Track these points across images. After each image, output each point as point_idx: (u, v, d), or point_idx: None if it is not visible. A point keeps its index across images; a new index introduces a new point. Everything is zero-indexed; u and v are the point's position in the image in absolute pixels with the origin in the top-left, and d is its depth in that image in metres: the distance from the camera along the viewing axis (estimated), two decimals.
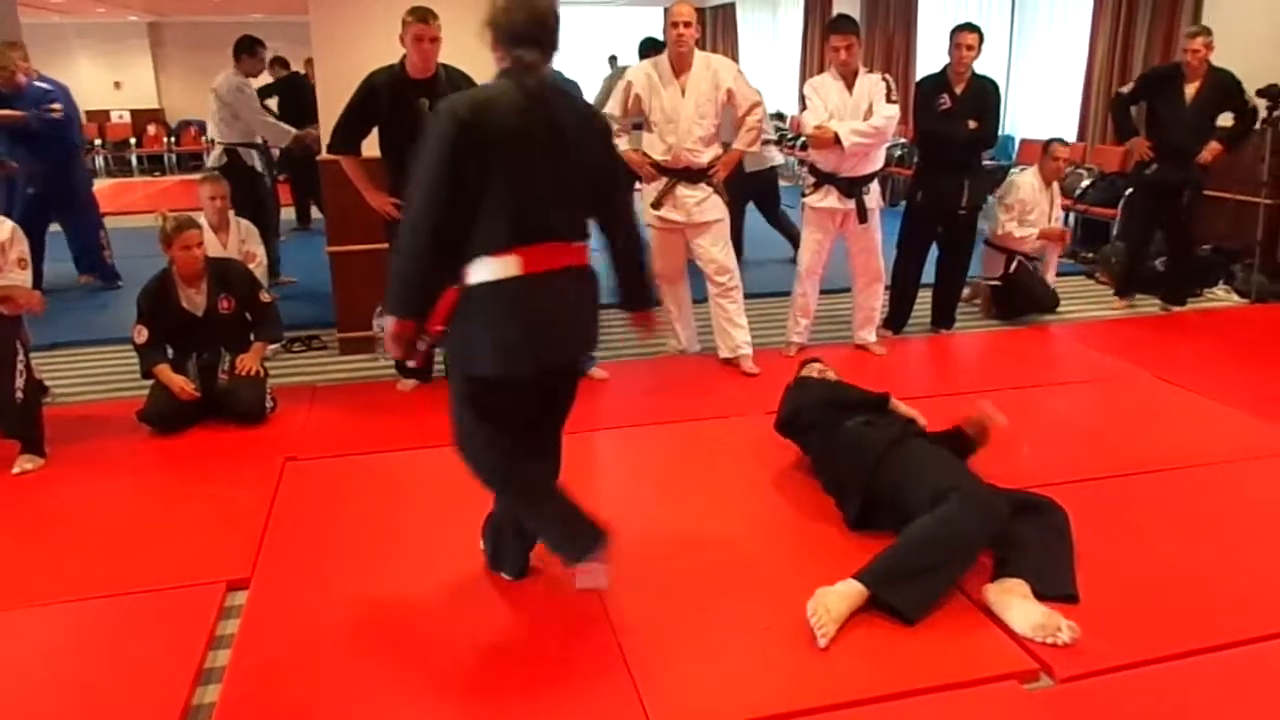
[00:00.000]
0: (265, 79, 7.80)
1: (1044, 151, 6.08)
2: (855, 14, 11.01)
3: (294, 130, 7.18)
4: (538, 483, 2.82)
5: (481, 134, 2.48)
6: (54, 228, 7.10)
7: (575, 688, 2.54)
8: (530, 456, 2.84)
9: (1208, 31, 5.80)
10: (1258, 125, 6.11)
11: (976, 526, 2.87)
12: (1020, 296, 6.01)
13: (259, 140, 7.05)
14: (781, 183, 8.15)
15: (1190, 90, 5.83)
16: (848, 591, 2.76)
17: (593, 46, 15.80)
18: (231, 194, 5.57)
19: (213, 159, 7.20)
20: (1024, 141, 9.60)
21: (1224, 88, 5.82)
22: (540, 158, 2.56)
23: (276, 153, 7.59)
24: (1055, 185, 6.20)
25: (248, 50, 6.91)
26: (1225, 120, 5.89)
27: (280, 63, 8.87)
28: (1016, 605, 2.75)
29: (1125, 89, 6.40)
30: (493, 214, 2.52)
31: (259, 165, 6.97)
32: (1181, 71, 5.85)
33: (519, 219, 2.55)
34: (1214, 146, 5.81)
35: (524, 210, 2.55)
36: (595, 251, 2.76)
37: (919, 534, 2.84)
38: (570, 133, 2.61)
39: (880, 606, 2.76)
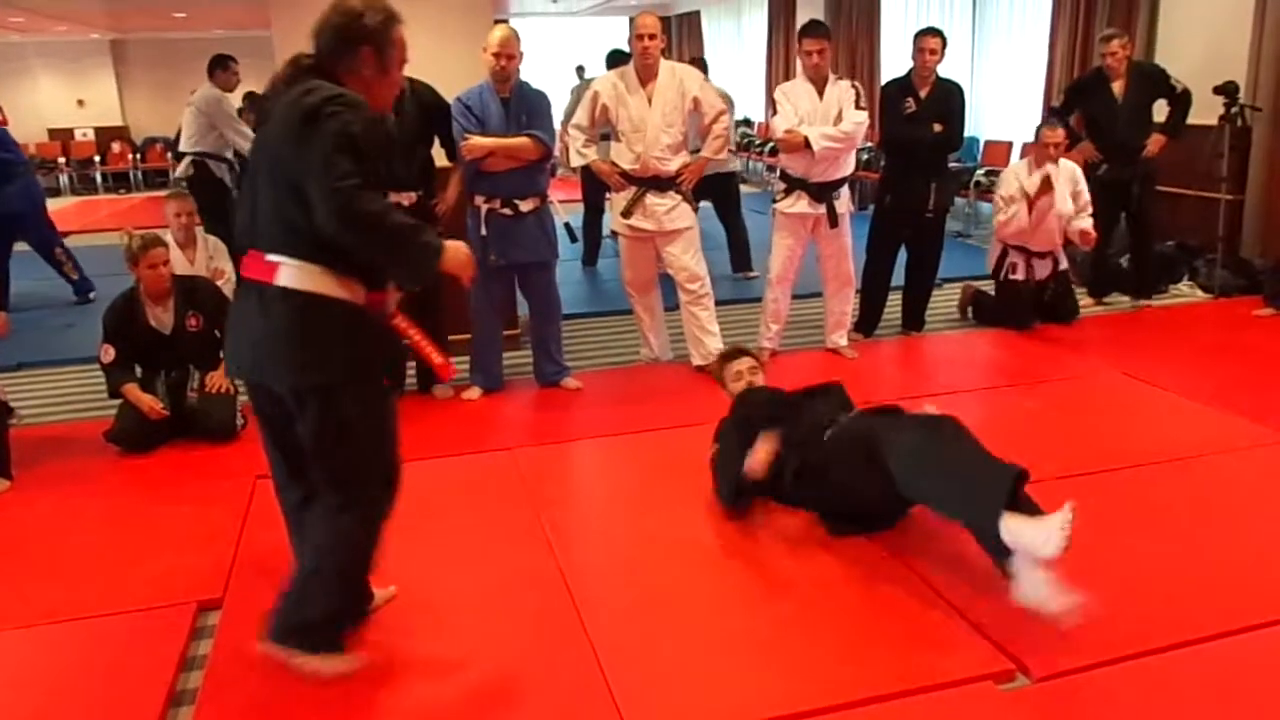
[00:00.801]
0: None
1: (1035, 138, 6.03)
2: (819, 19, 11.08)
3: None
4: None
5: None
6: (20, 248, 7.03)
7: (552, 698, 2.53)
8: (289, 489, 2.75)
9: (1120, 35, 6.06)
10: (1216, 122, 6.21)
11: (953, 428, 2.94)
12: (1053, 306, 5.92)
13: (229, 154, 7.11)
14: (745, 189, 8.18)
15: (1118, 89, 6.01)
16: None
17: (560, 57, 15.82)
18: (199, 206, 5.57)
19: (181, 169, 7.25)
20: (989, 143, 9.69)
21: (1149, 79, 6.05)
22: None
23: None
24: (1068, 173, 5.73)
25: (220, 66, 7.13)
26: (1163, 112, 6.05)
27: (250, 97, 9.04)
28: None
29: (1056, 103, 6.55)
30: None
31: (227, 179, 6.99)
32: (1104, 75, 6.05)
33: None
34: (1158, 138, 6.01)
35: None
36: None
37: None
38: (274, 129, 2.43)
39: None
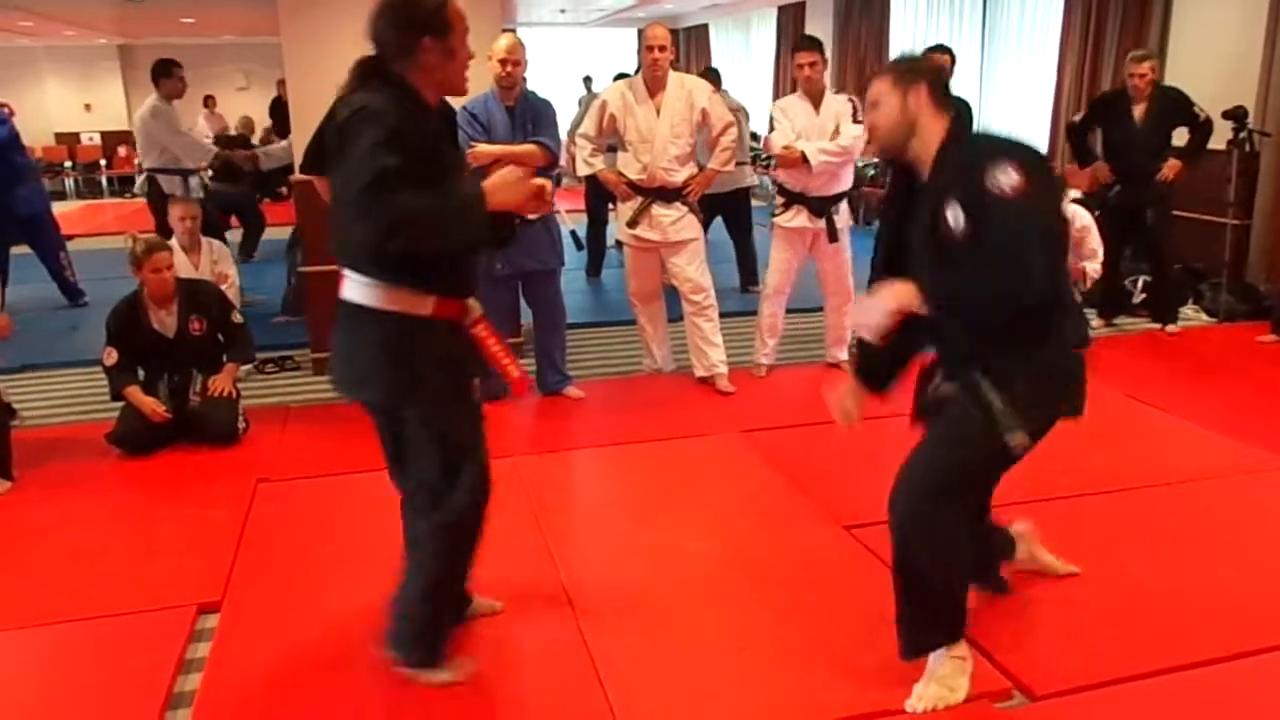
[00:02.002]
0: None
1: None
2: (827, 36, 11.13)
3: (214, 149, 7.20)
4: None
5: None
6: (19, 250, 7.04)
7: (550, 707, 2.53)
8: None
9: (1152, 56, 5.99)
10: (1224, 146, 6.21)
11: None
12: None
13: (185, 165, 6.95)
14: (755, 203, 8.19)
15: (1139, 112, 5.95)
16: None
17: (567, 67, 15.85)
18: (155, 223, 5.54)
19: (138, 185, 7.19)
20: None
21: (1171, 104, 5.96)
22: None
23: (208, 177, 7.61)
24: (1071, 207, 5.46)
25: (164, 73, 6.82)
26: (1183, 137, 5.99)
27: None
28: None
29: (1076, 118, 6.53)
30: None
31: (179, 191, 6.74)
32: (1128, 95, 5.98)
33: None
34: (1174, 164, 5.92)
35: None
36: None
37: None
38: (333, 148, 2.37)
39: None
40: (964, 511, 2.53)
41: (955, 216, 2.30)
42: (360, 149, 2.21)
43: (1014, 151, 2.31)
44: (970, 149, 2.41)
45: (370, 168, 2.19)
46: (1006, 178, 2.22)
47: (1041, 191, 2.26)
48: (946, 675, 2.50)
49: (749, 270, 7.37)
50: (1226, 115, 6.10)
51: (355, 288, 2.41)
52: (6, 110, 8.84)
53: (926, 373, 2.68)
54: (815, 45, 5.07)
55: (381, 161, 2.19)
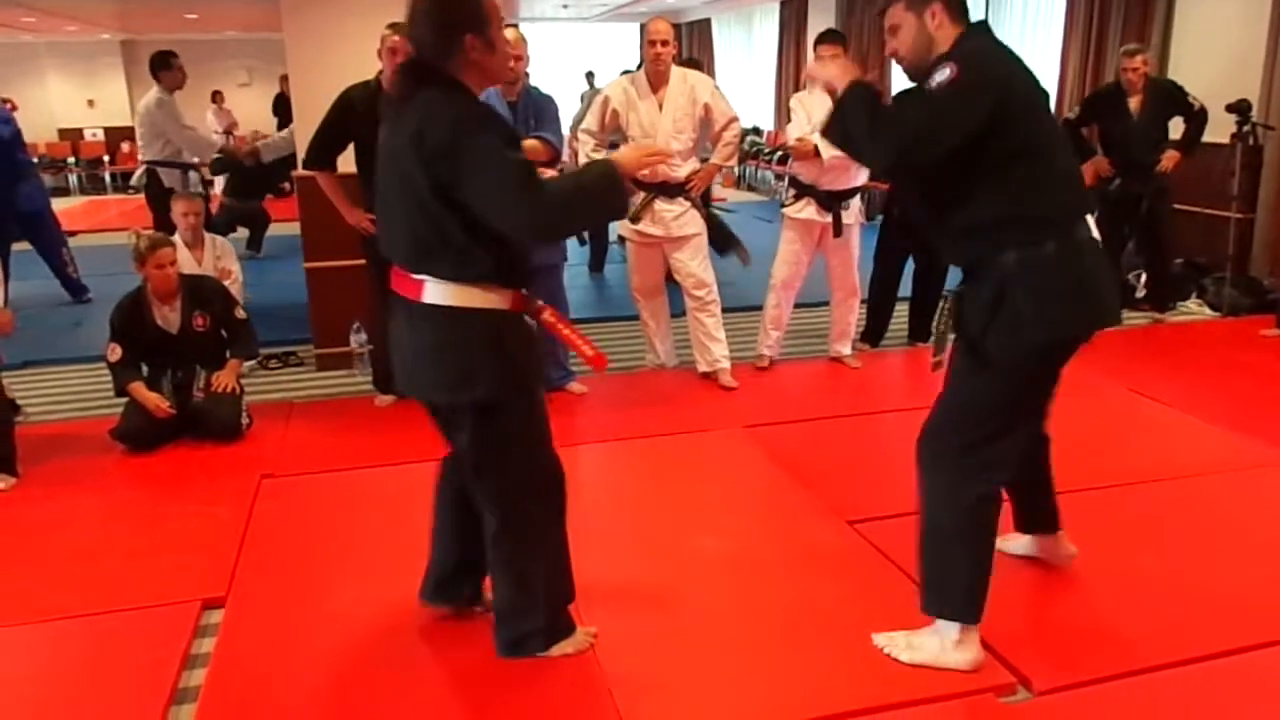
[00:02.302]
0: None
1: None
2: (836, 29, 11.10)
3: (218, 143, 7.21)
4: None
5: None
6: (21, 247, 7.04)
7: (556, 705, 2.53)
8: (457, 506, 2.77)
9: (1144, 50, 6.10)
10: (1228, 140, 6.20)
11: None
12: None
13: (185, 159, 6.97)
14: (754, 196, 8.18)
15: (1134, 104, 6.01)
16: None
17: (570, 63, 15.84)
18: (154, 217, 5.53)
19: (135, 178, 7.18)
20: None
21: (1165, 95, 6.04)
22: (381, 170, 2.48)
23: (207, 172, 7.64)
24: None
25: (164, 65, 6.82)
26: (1179, 129, 6.04)
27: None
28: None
29: (1071, 114, 6.54)
30: None
31: (179, 185, 6.76)
32: (1122, 89, 6.04)
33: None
34: (1172, 155, 5.99)
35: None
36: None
37: None
38: (398, 148, 2.38)
39: None
40: (1003, 465, 2.58)
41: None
42: (486, 154, 2.26)
43: (967, 56, 2.39)
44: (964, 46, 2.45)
45: (511, 168, 2.27)
46: (940, 75, 2.35)
47: (969, 85, 2.34)
48: (937, 645, 2.60)
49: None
50: (1230, 109, 6.10)
51: (438, 290, 2.40)
52: (9, 107, 8.83)
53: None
54: (838, 38, 5.05)
55: (515, 158, 2.29)
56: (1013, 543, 3.10)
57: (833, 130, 2.53)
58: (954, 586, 2.58)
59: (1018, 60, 2.48)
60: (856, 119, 2.42)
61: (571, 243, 5.01)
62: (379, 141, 2.48)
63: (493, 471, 2.55)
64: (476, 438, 2.51)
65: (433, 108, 2.31)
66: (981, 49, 2.45)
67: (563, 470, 2.66)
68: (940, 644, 2.61)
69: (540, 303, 2.57)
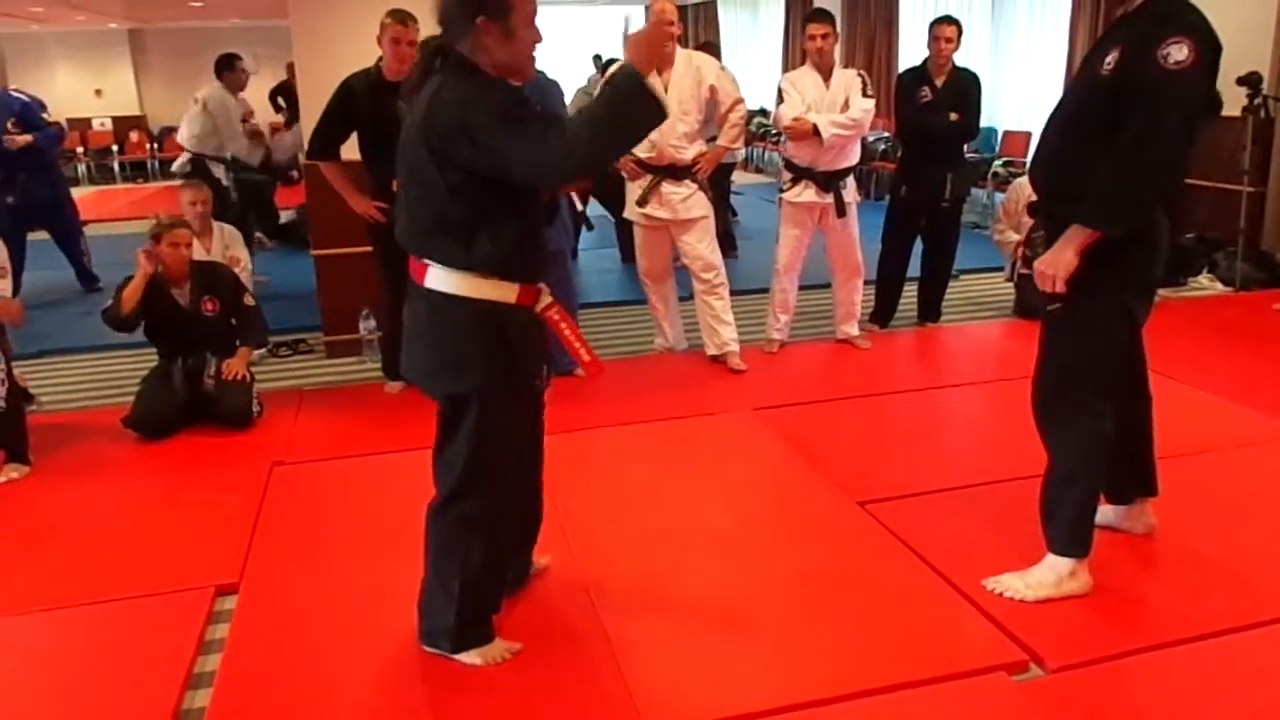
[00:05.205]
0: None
1: None
2: (836, 10, 11.06)
3: (245, 140, 7.34)
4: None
5: None
6: (35, 236, 7.07)
7: (565, 683, 2.54)
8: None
9: None
10: (1239, 113, 6.16)
11: None
12: None
13: (228, 155, 7.15)
14: (760, 178, 8.15)
15: None
16: None
17: (576, 46, 15.77)
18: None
19: (178, 164, 7.27)
20: (1007, 133, 9.63)
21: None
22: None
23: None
24: None
25: (228, 67, 7.17)
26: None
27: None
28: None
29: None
30: None
31: (224, 179, 7.00)
32: None
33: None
34: None
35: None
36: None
37: None
38: (408, 134, 2.37)
39: None
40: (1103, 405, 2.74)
41: None
42: (499, 119, 2.21)
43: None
44: None
45: (525, 122, 2.21)
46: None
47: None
48: (1053, 578, 2.80)
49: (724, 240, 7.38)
50: (1240, 81, 6.06)
51: (443, 277, 2.38)
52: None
53: None
54: (827, 18, 5.05)
55: (526, 113, 2.24)
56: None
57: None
58: (1066, 518, 2.81)
59: None
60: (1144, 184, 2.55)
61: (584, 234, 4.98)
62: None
63: (456, 454, 2.50)
64: (451, 423, 2.49)
65: (442, 90, 2.29)
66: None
67: (531, 483, 2.65)
68: (1056, 577, 2.80)
69: (550, 300, 2.54)
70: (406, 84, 2.45)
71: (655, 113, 2.23)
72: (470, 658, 2.61)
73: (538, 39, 2.40)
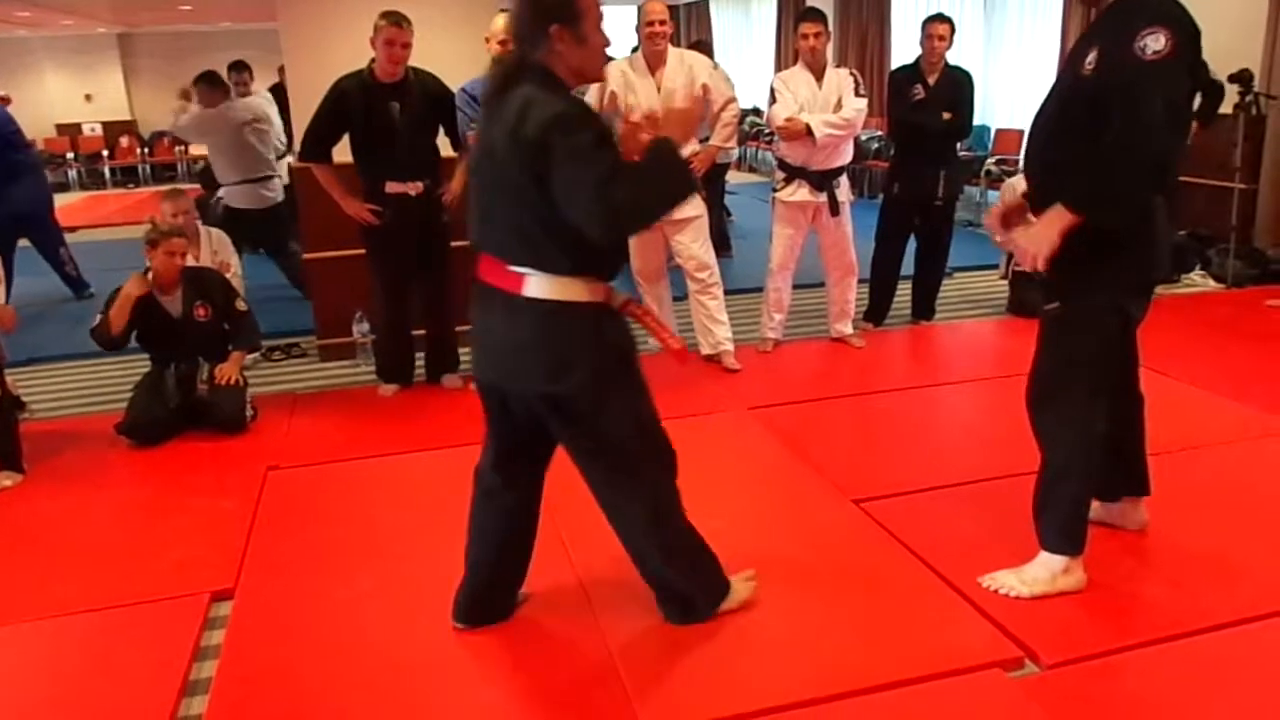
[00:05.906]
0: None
1: None
2: (828, 8, 11.05)
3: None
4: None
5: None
6: (25, 243, 7.05)
7: (564, 685, 2.54)
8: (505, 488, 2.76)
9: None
10: (1230, 110, 6.17)
11: None
12: None
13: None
14: (754, 178, 8.16)
15: None
16: None
17: None
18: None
19: (202, 166, 7.29)
20: (1000, 132, 9.64)
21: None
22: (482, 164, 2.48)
23: None
24: None
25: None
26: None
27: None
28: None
29: None
30: None
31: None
32: None
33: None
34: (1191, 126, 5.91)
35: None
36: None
37: None
38: (497, 141, 2.39)
39: None
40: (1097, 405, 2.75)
41: None
42: (573, 154, 2.24)
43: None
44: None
45: (593, 172, 2.23)
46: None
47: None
48: (1048, 575, 2.81)
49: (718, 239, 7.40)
50: (1232, 79, 6.07)
51: (546, 284, 2.39)
52: (3, 102, 8.81)
53: None
54: (819, 16, 5.05)
55: (601, 159, 2.25)
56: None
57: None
58: (1058, 518, 2.83)
59: None
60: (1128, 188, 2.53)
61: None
62: (482, 136, 2.47)
63: (608, 452, 2.60)
64: (588, 423, 2.54)
65: (528, 105, 2.30)
66: None
67: (672, 450, 2.76)
68: (1051, 574, 2.81)
69: (624, 296, 2.58)
70: (485, 93, 2.48)
71: (689, 188, 2.48)
72: (728, 605, 2.80)
73: (607, 42, 2.49)
